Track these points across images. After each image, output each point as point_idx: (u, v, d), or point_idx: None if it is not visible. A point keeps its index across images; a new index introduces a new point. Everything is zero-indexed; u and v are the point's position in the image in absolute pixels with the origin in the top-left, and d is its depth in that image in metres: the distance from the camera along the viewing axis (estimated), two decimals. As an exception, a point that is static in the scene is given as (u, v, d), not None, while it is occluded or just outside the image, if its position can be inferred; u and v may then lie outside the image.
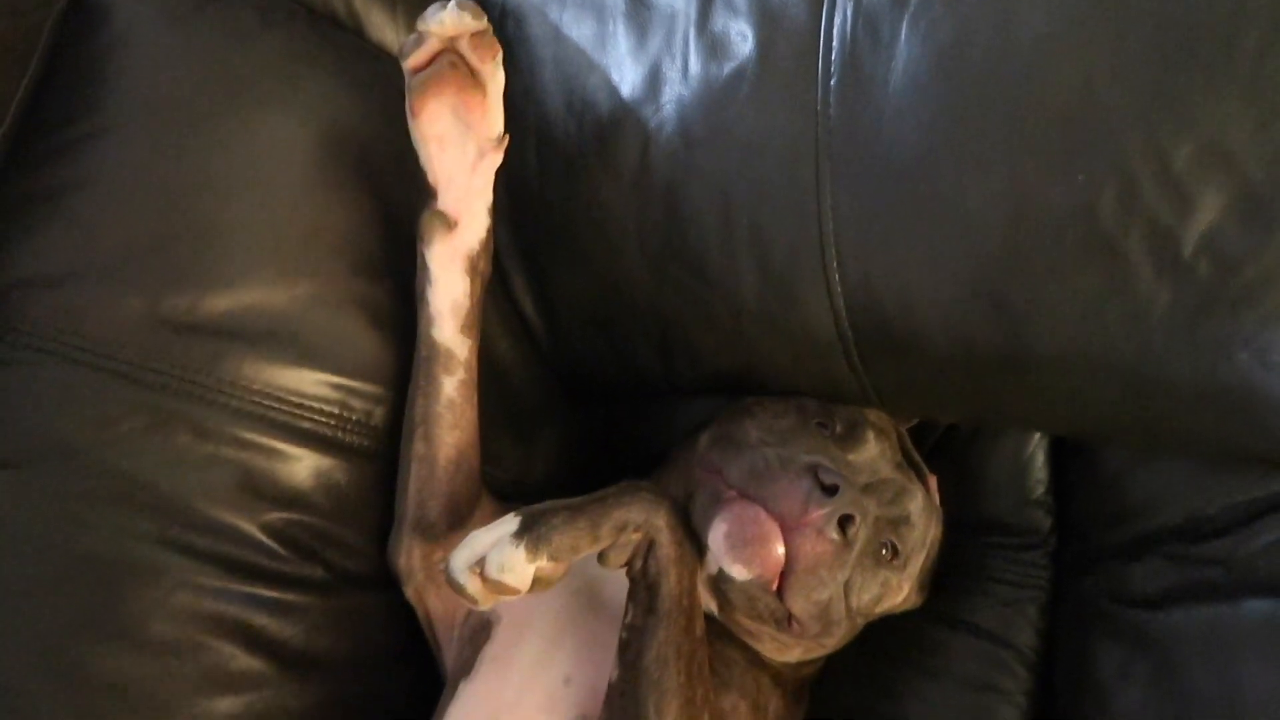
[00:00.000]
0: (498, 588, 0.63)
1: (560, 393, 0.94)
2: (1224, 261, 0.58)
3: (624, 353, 0.86)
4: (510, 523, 0.65)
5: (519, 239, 0.86)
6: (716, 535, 0.68)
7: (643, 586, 0.67)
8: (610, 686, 0.67)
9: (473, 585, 0.63)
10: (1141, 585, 0.75)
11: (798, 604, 0.69)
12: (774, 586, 0.68)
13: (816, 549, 0.66)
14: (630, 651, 0.66)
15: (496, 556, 0.63)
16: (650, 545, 0.67)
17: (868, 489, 0.73)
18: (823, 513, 0.65)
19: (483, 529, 0.65)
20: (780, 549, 0.66)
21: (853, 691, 0.85)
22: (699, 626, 0.68)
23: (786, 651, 0.79)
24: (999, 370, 0.68)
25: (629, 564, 0.68)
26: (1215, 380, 0.61)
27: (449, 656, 0.79)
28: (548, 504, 0.67)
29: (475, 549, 0.64)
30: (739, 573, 0.67)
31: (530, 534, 0.63)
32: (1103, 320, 0.62)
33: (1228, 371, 0.61)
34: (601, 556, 0.67)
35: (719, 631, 0.75)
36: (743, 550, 0.66)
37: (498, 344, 0.88)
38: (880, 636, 0.82)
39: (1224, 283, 0.59)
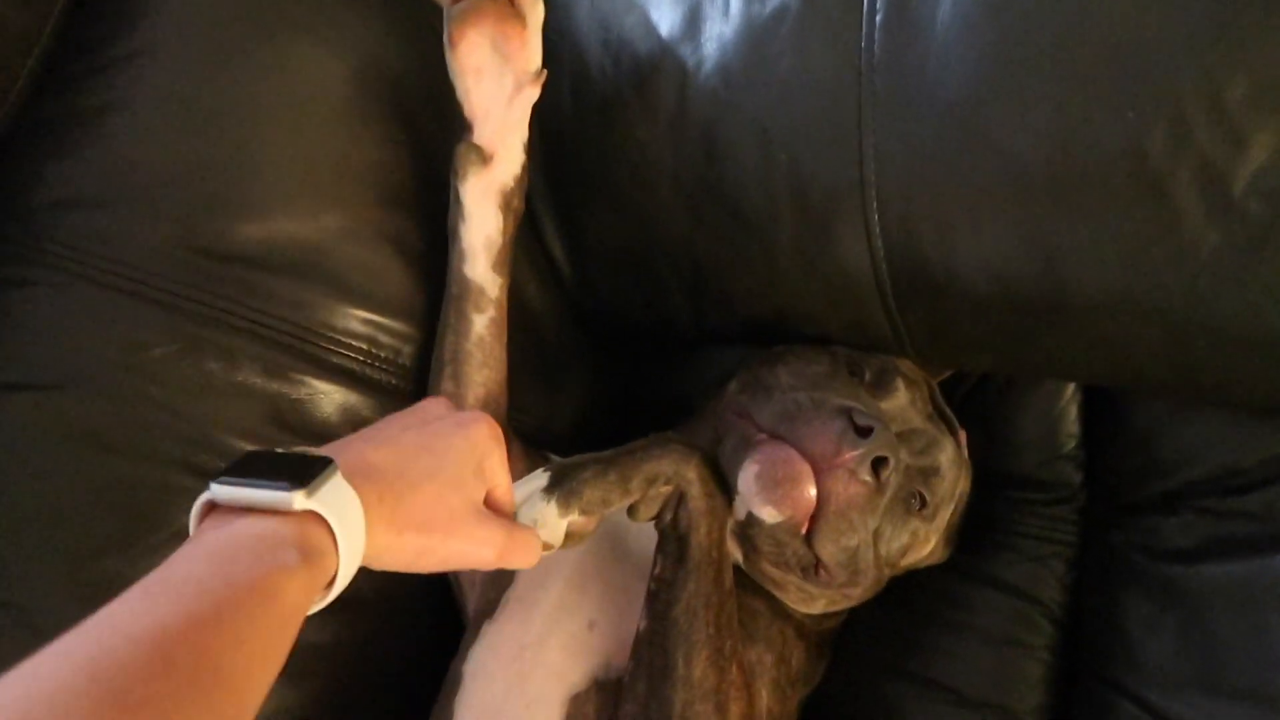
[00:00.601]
0: None
1: (588, 340, 0.93)
2: (1276, 202, 0.57)
3: (654, 297, 0.85)
4: (540, 478, 0.65)
5: (551, 181, 0.85)
6: (747, 477, 0.67)
7: (673, 539, 0.67)
8: (638, 637, 0.67)
9: None
10: (1173, 539, 0.74)
11: (826, 549, 0.68)
12: (803, 530, 0.67)
13: (849, 490, 0.65)
14: (659, 603, 0.66)
15: (529, 511, 0.63)
16: (680, 498, 0.67)
17: (900, 436, 0.72)
18: (856, 453, 0.64)
19: (516, 484, 0.64)
20: (812, 490, 0.65)
21: (876, 646, 0.85)
22: (728, 579, 0.68)
23: (811, 602, 0.78)
24: (1039, 314, 0.67)
25: (658, 516, 0.68)
26: (1261, 324, 0.61)
27: (471, 599, 0.79)
28: (577, 458, 0.66)
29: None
30: (769, 515, 0.67)
31: (561, 488, 0.64)
32: (1148, 262, 0.62)
33: (1275, 316, 0.60)
34: (631, 510, 0.67)
35: (743, 582, 0.75)
36: (774, 491, 0.66)
37: (526, 288, 0.87)
38: (905, 591, 0.82)
39: (1275, 224, 0.58)
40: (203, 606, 0.37)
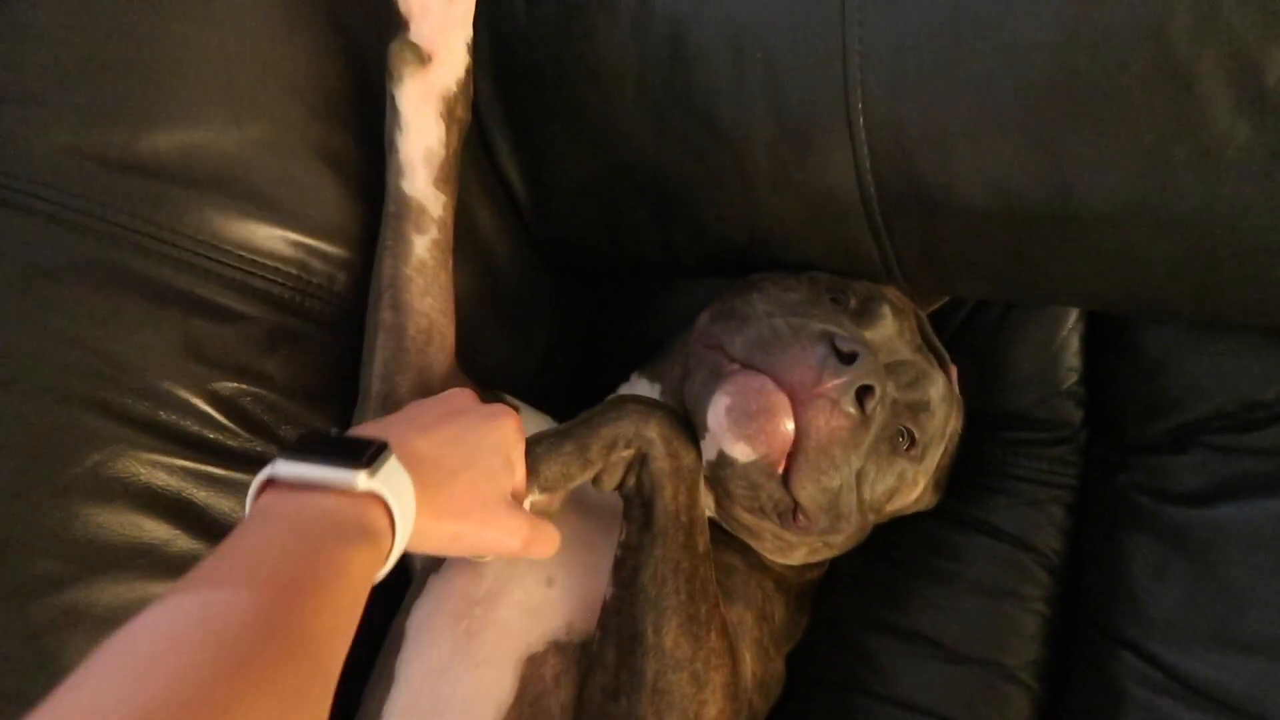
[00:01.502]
0: None
1: (548, 273, 0.86)
2: (1315, 93, 0.51)
3: (619, 223, 0.77)
4: None
5: (504, 96, 0.77)
6: (716, 411, 0.60)
7: (637, 504, 0.61)
8: (605, 604, 0.61)
9: None
10: (1183, 480, 0.68)
11: (805, 491, 0.61)
12: (780, 469, 0.61)
13: (831, 424, 0.58)
14: (625, 570, 0.60)
15: None
16: (643, 460, 0.61)
17: (887, 369, 0.66)
18: (839, 382, 0.57)
19: None
20: (789, 424, 0.58)
21: (859, 598, 0.79)
22: (702, 542, 0.62)
23: (790, 552, 0.72)
24: (1043, 230, 0.60)
25: (621, 483, 0.62)
26: (1293, 234, 0.54)
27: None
28: (532, 437, 0.61)
29: None
30: (742, 453, 0.60)
31: None
32: (1167, 164, 0.55)
33: (1309, 223, 0.53)
34: (595, 480, 0.61)
35: (716, 536, 0.68)
36: (746, 426, 0.59)
37: (479, 215, 0.79)
38: (890, 540, 0.76)
39: (1313, 118, 0.51)
40: (292, 577, 0.40)
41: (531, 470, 0.59)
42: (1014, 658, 0.73)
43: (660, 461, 0.60)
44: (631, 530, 0.61)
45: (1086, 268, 0.61)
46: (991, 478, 0.79)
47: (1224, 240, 0.56)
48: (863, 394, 0.58)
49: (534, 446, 0.59)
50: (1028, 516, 0.76)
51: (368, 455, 0.46)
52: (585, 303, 0.91)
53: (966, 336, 0.80)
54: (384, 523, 0.46)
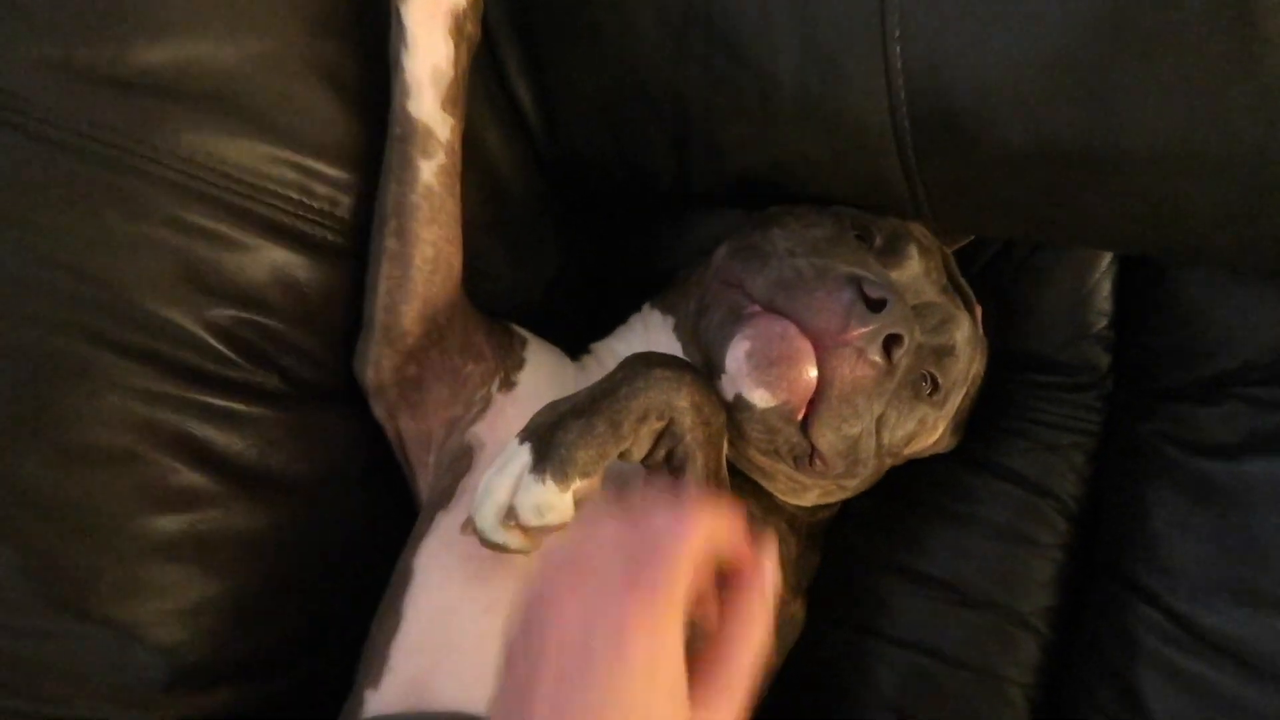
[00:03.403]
0: (542, 531, 0.55)
1: (558, 198, 0.82)
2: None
3: (634, 149, 0.74)
4: (520, 454, 0.55)
5: (514, 10, 0.73)
6: (736, 354, 0.58)
7: (665, 473, 0.59)
8: None
9: (515, 540, 0.55)
10: (1213, 431, 0.66)
11: (825, 438, 0.60)
12: (799, 416, 0.59)
13: (856, 373, 0.56)
14: None
15: (528, 500, 0.54)
16: (671, 429, 0.57)
17: (913, 310, 0.63)
18: (867, 330, 0.55)
19: (493, 469, 0.56)
20: (812, 371, 0.56)
21: (872, 539, 0.78)
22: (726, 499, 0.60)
23: (803, 494, 0.71)
24: (1085, 170, 0.57)
25: (650, 454, 0.58)
26: (1353, 182, 0.51)
27: (425, 482, 0.70)
28: (551, 414, 0.57)
29: (498, 499, 0.55)
30: (761, 399, 0.58)
31: (550, 461, 0.54)
32: (1222, 106, 0.51)
33: (1372, 171, 0.50)
34: (623, 455, 0.57)
35: (730, 478, 0.67)
36: (767, 372, 0.57)
37: (486, 136, 0.76)
38: (905, 481, 0.74)
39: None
40: None
41: (568, 460, 0.54)
42: (1026, 603, 0.73)
43: (693, 432, 0.57)
44: None
45: (1126, 210, 0.58)
46: (1012, 420, 0.77)
47: (1276, 188, 0.53)
48: (890, 342, 0.56)
49: (563, 432, 0.55)
50: (1047, 461, 0.75)
51: None
52: (595, 230, 0.88)
53: (993, 275, 0.77)
54: None
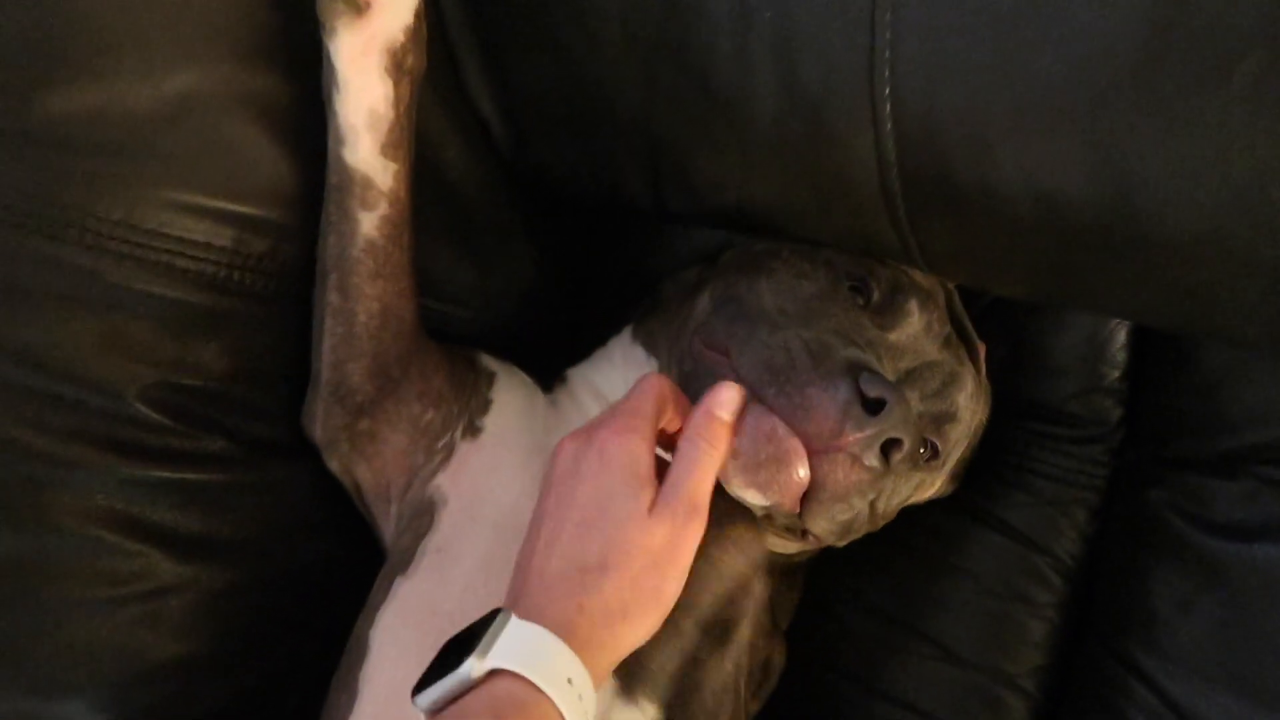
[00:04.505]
0: None
1: (528, 209, 0.76)
2: None
3: (605, 171, 0.67)
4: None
5: (472, 12, 0.65)
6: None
7: None
8: None
9: None
10: (1228, 509, 0.61)
11: (819, 525, 0.56)
12: (790, 508, 0.55)
13: (850, 478, 0.52)
14: None
15: None
16: None
17: (910, 375, 0.58)
18: (863, 435, 0.50)
19: None
20: (803, 472, 0.52)
21: (858, 583, 0.74)
22: None
23: (787, 547, 0.67)
24: (1098, 247, 0.50)
25: None
26: None
27: (387, 535, 0.67)
28: None
29: None
30: (752, 497, 0.54)
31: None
32: (1265, 196, 0.44)
33: None
34: None
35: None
36: (756, 473, 0.52)
37: (446, 149, 0.69)
38: (897, 524, 0.69)
39: None
40: None
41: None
42: (1017, 664, 0.69)
43: None
44: None
45: (1145, 292, 0.52)
46: (1013, 471, 0.71)
47: (1319, 288, 0.46)
48: (889, 446, 0.51)
49: None
50: (1048, 517, 0.70)
51: (484, 637, 0.44)
52: (572, 241, 0.81)
53: (1001, 312, 0.70)
54: (528, 689, 0.43)
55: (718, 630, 0.62)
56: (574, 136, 0.67)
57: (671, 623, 0.52)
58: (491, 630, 0.45)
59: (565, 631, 0.45)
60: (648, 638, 0.49)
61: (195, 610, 0.62)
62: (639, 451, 0.50)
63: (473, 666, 0.43)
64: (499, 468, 0.66)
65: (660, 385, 0.54)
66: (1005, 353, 0.68)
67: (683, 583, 0.50)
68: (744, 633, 0.64)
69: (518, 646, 0.44)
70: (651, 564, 0.48)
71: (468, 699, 0.43)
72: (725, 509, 0.63)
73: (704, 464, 0.50)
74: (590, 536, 0.48)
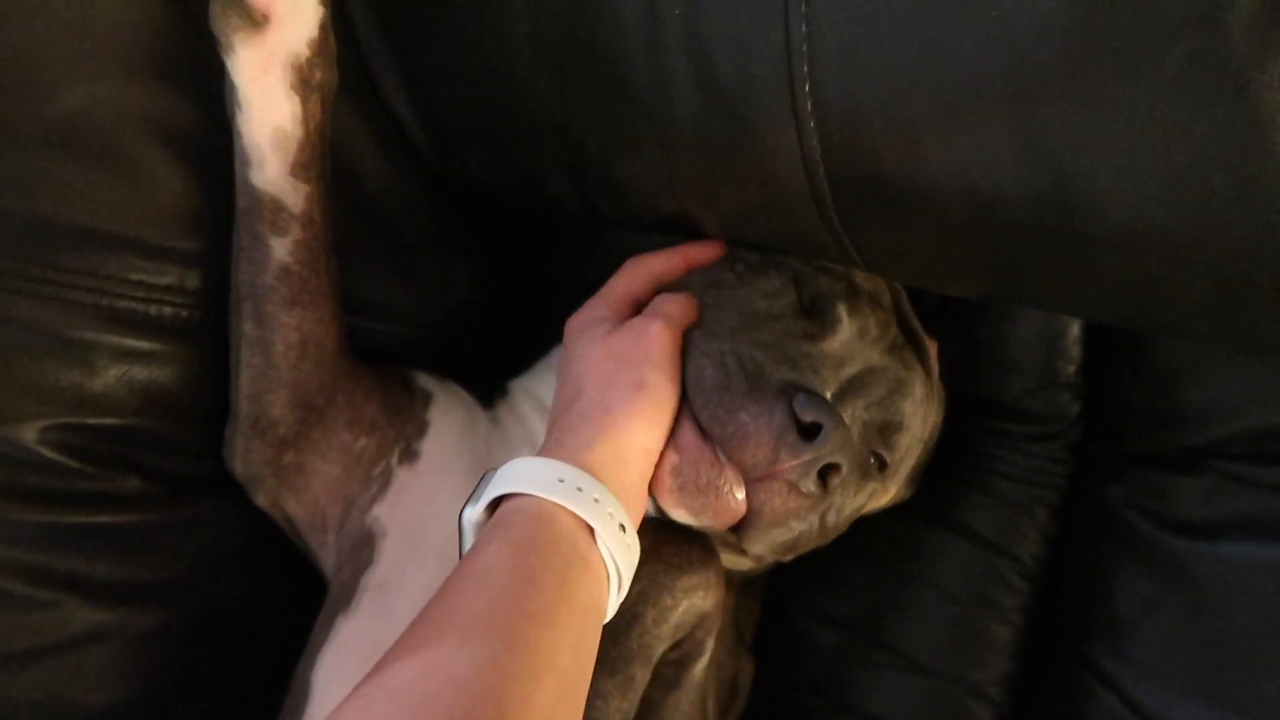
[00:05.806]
0: None
1: (458, 218, 0.73)
2: None
3: (531, 178, 0.64)
4: None
5: (382, 20, 0.62)
6: (660, 467, 0.52)
7: None
8: None
9: None
10: (1189, 507, 0.58)
11: (756, 547, 0.54)
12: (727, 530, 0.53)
13: (788, 505, 0.50)
14: None
15: None
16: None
17: (853, 384, 0.55)
18: (799, 463, 0.48)
19: None
20: (740, 496, 0.50)
21: (817, 590, 0.71)
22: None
23: (738, 562, 0.65)
24: (1035, 244, 0.47)
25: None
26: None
27: (327, 567, 0.64)
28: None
29: None
30: (682, 517, 0.52)
31: None
32: (1206, 188, 0.41)
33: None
34: None
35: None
36: (692, 497, 0.51)
37: (365, 161, 0.66)
38: (855, 532, 0.67)
39: None
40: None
41: None
42: (982, 672, 0.67)
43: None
44: None
45: (1087, 287, 0.49)
46: (971, 472, 0.69)
47: (1268, 276, 0.43)
48: (826, 470, 0.49)
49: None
50: (1008, 519, 0.67)
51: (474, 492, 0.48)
52: (507, 249, 0.78)
53: (952, 308, 0.67)
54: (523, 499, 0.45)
55: (672, 670, 0.60)
56: (496, 142, 0.64)
57: (621, 672, 0.53)
58: (479, 485, 0.48)
59: (547, 450, 0.48)
60: (656, 433, 0.50)
61: (118, 657, 0.59)
62: (600, 313, 0.58)
63: (470, 512, 0.47)
64: (439, 494, 0.63)
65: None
66: (957, 350, 0.65)
67: (669, 373, 0.51)
68: (704, 662, 0.61)
69: (505, 476, 0.47)
70: (624, 364, 0.51)
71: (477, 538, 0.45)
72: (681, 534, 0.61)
73: (627, 268, 0.60)
74: (569, 385, 0.54)
